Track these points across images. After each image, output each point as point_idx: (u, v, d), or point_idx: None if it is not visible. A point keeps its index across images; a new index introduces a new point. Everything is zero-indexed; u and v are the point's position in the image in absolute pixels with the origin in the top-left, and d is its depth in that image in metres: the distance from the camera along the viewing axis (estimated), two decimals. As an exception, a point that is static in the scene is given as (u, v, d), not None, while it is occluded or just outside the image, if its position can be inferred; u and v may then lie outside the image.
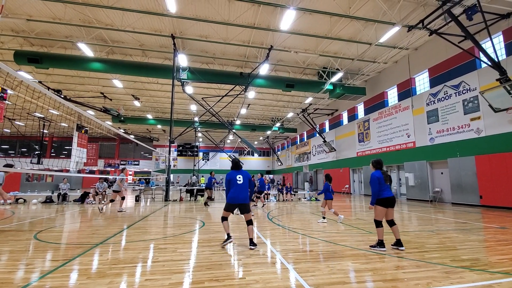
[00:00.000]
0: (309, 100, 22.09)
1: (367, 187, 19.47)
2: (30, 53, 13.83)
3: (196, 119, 27.85)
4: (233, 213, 5.07)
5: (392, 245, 4.80)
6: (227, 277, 3.37)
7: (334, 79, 16.98)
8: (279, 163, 41.07)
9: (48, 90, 15.31)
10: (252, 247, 4.73)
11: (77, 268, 3.73)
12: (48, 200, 13.42)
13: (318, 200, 15.21)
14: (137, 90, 21.40)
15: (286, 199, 15.24)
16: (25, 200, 13.92)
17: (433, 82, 14.28)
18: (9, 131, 34.01)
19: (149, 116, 28.11)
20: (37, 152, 31.61)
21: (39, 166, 25.88)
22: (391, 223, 4.76)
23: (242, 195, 4.92)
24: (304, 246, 4.97)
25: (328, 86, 17.66)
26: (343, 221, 7.66)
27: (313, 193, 17.03)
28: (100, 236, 5.84)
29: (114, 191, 10.16)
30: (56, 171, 25.89)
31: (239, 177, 5.01)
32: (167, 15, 11.84)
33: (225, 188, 5.22)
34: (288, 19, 11.08)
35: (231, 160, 5.52)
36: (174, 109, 15.68)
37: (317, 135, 27.10)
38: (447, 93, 13.40)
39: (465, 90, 12.48)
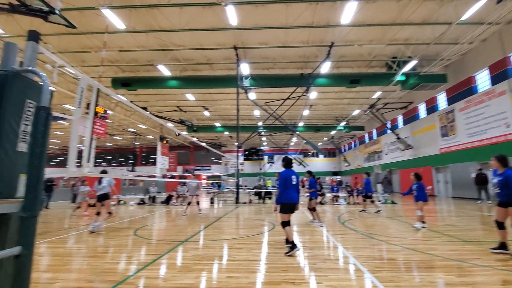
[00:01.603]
0: (377, 94, 20.34)
1: (456, 188, 16.75)
2: (123, 78, 16.59)
3: (260, 123, 28.68)
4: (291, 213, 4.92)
5: (493, 248, 4.46)
6: (303, 280, 3.39)
7: (407, 68, 15.25)
8: (347, 164, 38.82)
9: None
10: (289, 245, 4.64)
11: (168, 262, 4.28)
12: (141, 202, 15.74)
13: (395, 203, 13.80)
14: (206, 101, 23.34)
15: (358, 202, 14.30)
16: (124, 202, 16.63)
17: (545, 57, 11.46)
18: (110, 144, 41.20)
19: (217, 124, 30.24)
20: (131, 161, 37.57)
21: (133, 173, 30.61)
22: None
23: (297, 194, 4.96)
24: (383, 253, 4.60)
25: (399, 77, 15.96)
26: (428, 228, 6.78)
27: (388, 196, 15.53)
28: (184, 234, 6.56)
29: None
30: (146, 177, 30.16)
31: (294, 177, 4.98)
32: (229, 28, 12.63)
33: (278, 187, 5.11)
34: (349, 11, 10.47)
35: (283, 158, 5.31)
36: (239, 116, 16.54)
37: (389, 131, 24.67)
38: None
39: None
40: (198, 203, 11.21)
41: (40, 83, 1.79)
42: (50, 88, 1.74)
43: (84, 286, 3.29)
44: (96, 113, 15.12)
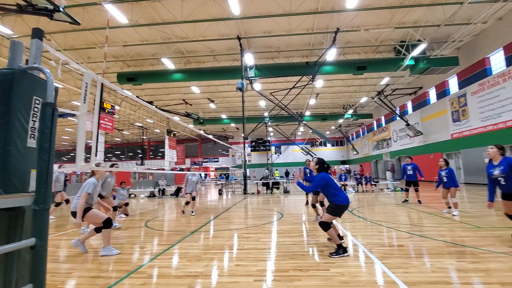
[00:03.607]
0: (385, 80, 19.90)
1: (469, 174, 16.50)
2: (128, 73, 16.65)
3: (266, 114, 28.55)
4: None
5: None
6: (311, 267, 3.43)
7: (416, 52, 14.82)
8: (355, 152, 38.50)
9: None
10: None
11: (179, 252, 4.38)
12: (151, 195, 16.04)
13: (404, 190, 13.67)
14: (212, 93, 23.30)
15: (366, 190, 14.25)
16: (135, 195, 16.98)
17: (563, 35, 10.94)
18: (119, 139, 41.80)
19: (224, 116, 30.25)
20: (140, 155, 38.17)
21: (142, 167, 31.16)
22: None
23: None
24: (392, 240, 4.60)
25: (408, 62, 15.54)
26: (438, 215, 6.73)
27: (397, 183, 15.40)
28: (193, 225, 6.69)
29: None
30: (155, 170, 30.68)
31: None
32: (232, 18, 12.45)
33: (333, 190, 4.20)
34: (355, -4, 10.20)
35: (316, 159, 4.49)
36: (245, 107, 16.48)
37: (398, 118, 24.24)
38: None
39: None
40: (194, 198, 8.55)
41: (45, 80, 1.82)
42: (54, 84, 1.77)
43: (99, 275, 3.42)
44: (103, 109, 15.31)
